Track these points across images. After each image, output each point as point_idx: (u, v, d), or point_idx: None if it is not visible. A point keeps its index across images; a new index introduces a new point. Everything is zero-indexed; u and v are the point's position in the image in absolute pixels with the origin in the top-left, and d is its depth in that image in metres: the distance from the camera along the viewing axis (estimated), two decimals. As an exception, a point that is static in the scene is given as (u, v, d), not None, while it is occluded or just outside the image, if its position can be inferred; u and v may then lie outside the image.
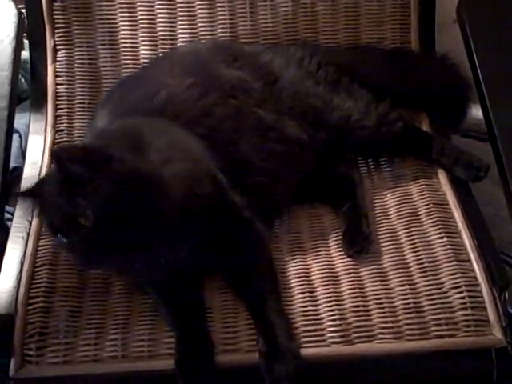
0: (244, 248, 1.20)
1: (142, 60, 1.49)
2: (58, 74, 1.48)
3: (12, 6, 1.23)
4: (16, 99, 1.07)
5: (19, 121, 1.48)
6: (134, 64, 1.49)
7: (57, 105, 1.47)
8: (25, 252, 1.24)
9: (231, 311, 1.18)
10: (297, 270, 1.24)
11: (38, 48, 1.47)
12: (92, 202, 0.98)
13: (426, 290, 1.18)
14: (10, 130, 1.03)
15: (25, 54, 1.53)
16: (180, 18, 1.50)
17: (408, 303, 1.17)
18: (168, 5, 1.49)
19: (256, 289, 1.18)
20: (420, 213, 1.31)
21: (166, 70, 1.35)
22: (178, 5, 1.50)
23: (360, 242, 1.25)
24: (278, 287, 1.20)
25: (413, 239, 1.26)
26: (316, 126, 1.35)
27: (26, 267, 1.22)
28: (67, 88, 1.48)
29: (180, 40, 1.50)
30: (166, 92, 1.26)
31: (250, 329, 1.15)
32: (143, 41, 1.50)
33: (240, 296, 1.18)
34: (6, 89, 1.05)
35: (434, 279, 1.20)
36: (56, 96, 1.47)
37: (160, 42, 1.50)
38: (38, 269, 1.23)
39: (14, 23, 1.14)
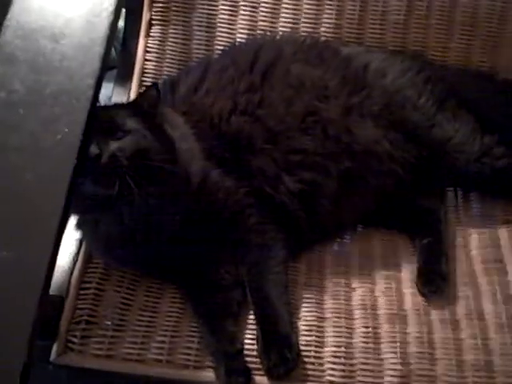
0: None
1: (237, 48, 1.42)
2: (148, 49, 1.42)
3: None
4: (103, 79, 1.01)
5: (102, 90, 1.43)
6: (228, 50, 1.42)
7: (142, 81, 1.41)
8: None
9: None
10: (363, 300, 1.16)
11: (133, 19, 1.42)
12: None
13: (501, 349, 1.09)
14: (92, 112, 0.97)
15: (119, 24, 1.48)
16: (284, 10, 1.41)
17: (478, 359, 1.08)
18: (274, -7, 1.41)
19: (255, 271, 1.13)
20: (506, 261, 1.21)
21: (235, 60, 1.28)
22: (285, -5, 1.41)
23: (436, 282, 1.16)
24: (282, 271, 1.14)
25: (493, 289, 1.17)
26: (407, 139, 1.25)
27: (84, 248, 1.18)
28: (155, 65, 1.42)
29: (280, 32, 1.41)
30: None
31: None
32: (241, 28, 1.42)
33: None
34: (96, 66, 0.99)
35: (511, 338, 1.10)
36: (143, 72, 1.41)
37: (259, 31, 1.41)
38: (96, 253, 1.19)
39: (114, -4, 1.08)
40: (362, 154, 1.21)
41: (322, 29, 1.40)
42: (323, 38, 1.40)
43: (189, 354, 1.08)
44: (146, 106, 1.12)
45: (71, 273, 1.14)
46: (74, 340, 1.08)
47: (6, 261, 0.87)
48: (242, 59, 1.27)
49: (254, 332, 1.10)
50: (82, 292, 1.13)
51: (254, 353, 1.08)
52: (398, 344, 1.09)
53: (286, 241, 1.17)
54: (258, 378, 1.05)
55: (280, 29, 1.41)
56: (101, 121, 1.06)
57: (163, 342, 1.09)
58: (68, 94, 1.00)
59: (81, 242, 1.18)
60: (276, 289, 1.11)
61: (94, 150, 1.03)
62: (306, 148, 1.19)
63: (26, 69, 1.02)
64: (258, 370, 1.06)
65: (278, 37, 1.37)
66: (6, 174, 0.93)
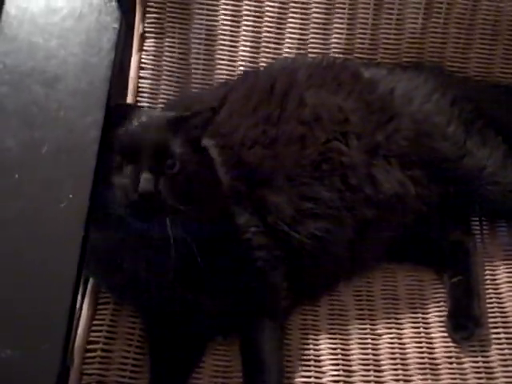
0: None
1: (240, 62, 1.29)
2: (142, 65, 1.29)
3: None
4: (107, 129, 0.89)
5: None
6: (230, 65, 1.29)
7: (137, 101, 1.28)
8: (87, 284, 1.09)
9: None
10: (392, 349, 1.09)
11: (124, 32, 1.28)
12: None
13: (539, 398, 1.03)
14: (98, 171, 0.85)
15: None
16: (290, 20, 1.28)
17: (516, 412, 1.02)
18: (279, 2, 1.28)
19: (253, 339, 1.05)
20: (537, 296, 1.14)
21: (254, 87, 1.17)
22: (291, 4, 1.28)
23: (469, 327, 1.09)
24: (279, 338, 1.06)
25: (526, 329, 1.10)
26: (434, 177, 1.15)
27: (86, 304, 1.08)
28: (151, 83, 1.29)
29: (286, 46, 1.29)
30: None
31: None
32: (245, 40, 1.29)
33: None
34: (99, 114, 0.87)
35: (549, 384, 1.04)
36: (137, 91, 1.29)
37: (263, 44, 1.29)
38: (100, 306, 1.08)
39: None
40: (385, 202, 1.11)
41: (333, 40, 1.29)
42: (333, 50, 1.28)
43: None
44: (196, 128, 0.97)
45: (75, 333, 1.04)
46: (84, 415, 0.99)
47: (10, 361, 0.76)
48: (260, 87, 1.15)
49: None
50: (88, 355, 1.03)
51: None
52: (433, 399, 1.03)
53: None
54: None
55: (287, 40, 1.29)
56: (154, 139, 0.92)
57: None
58: (69, 152, 0.88)
59: (83, 295, 1.08)
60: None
61: (147, 184, 0.88)
62: (320, 198, 1.08)
63: (17, 122, 0.90)
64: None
65: (292, 60, 1.24)
66: (6, 252, 0.82)
